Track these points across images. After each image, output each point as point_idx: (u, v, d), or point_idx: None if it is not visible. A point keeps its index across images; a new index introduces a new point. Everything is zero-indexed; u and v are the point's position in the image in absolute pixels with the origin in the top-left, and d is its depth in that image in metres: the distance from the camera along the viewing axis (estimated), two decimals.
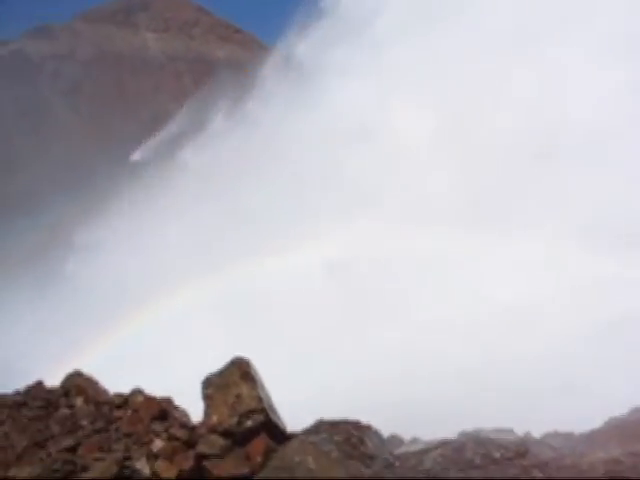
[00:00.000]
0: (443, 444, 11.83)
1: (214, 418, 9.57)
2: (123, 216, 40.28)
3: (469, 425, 14.65)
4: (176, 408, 10.28)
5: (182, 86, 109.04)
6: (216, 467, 9.10)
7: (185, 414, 10.32)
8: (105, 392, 10.12)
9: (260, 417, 9.68)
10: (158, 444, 9.28)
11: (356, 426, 10.52)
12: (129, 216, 39.94)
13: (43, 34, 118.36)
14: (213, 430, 9.53)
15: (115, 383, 10.75)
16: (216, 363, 10.60)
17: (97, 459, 8.36)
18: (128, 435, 9.29)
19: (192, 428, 9.83)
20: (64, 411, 9.46)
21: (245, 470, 9.16)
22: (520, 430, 15.01)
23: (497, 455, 11.05)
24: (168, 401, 10.14)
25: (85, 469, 8.23)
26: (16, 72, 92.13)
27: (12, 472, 8.00)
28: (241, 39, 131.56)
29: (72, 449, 8.55)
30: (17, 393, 9.82)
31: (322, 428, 10.31)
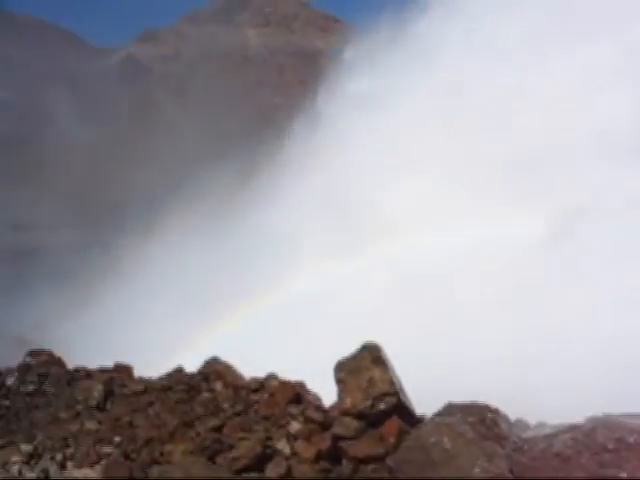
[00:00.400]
0: (573, 428, 11.57)
1: (348, 401, 9.81)
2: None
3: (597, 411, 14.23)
4: (308, 392, 10.60)
5: (285, 79, 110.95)
6: (352, 448, 9.34)
7: (317, 398, 10.62)
8: (241, 377, 10.58)
9: (392, 400, 9.85)
10: (295, 426, 9.63)
11: (488, 409, 10.52)
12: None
13: (150, 38, 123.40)
14: (347, 413, 9.77)
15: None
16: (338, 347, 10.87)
17: (241, 439, 8.80)
18: (266, 417, 9.69)
19: (325, 411, 10.12)
20: (205, 395, 9.98)
21: (380, 450, 9.35)
22: None
23: (631, 440, 10.76)
24: (301, 385, 10.47)
25: (231, 447, 8.68)
26: (128, 76, 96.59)
27: (167, 448, 8.57)
28: (340, 28, 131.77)
29: (217, 429, 9.04)
30: (162, 378, 10.46)
31: (453, 410, 10.40)
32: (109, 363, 12.02)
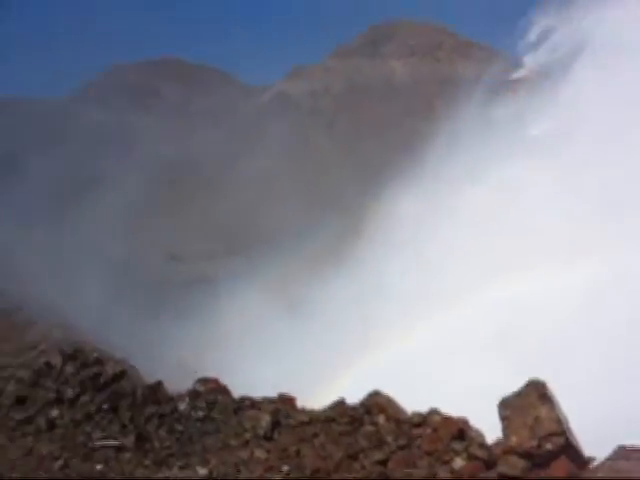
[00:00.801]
0: None
1: (513, 439, 9.53)
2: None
3: None
4: (471, 428, 10.42)
5: (432, 108, 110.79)
6: None
7: (481, 434, 10.40)
8: (403, 411, 10.58)
9: (560, 440, 9.46)
10: (459, 462, 9.48)
11: None
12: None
13: (299, 75, 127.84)
14: (512, 451, 9.50)
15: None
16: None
17: (407, 474, 8.81)
18: (429, 453, 9.61)
19: (489, 448, 9.90)
20: (368, 428, 10.06)
21: None
22: None
23: None
24: (464, 421, 10.32)
25: None
26: (278, 112, 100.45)
27: (334, 478, 8.75)
28: (485, 56, 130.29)
29: (382, 463, 9.09)
30: (325, 409, 10.68)
31: (627, 454, 9.83)
32: (263, 387, 12.48)
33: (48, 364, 15.36)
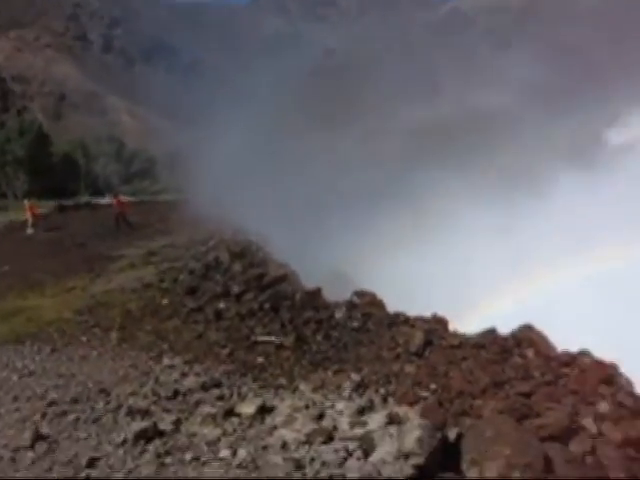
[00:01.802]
0: None
1: None
2: None
3: None
4: (621, 375, 10.30)
5: (621, 35, 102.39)
6: None
7: (630, 383, 10.28)
8: (553, 348, 10.63)
9: None
10: (604, 407, 9.46)
11: None
12: None
13: None
14: None
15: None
16: None
17: (549, 408, 8.95)
18: (575, 392, 9.65)
19: (638, 398, 9.79)
20: (517, 359, 10.24)
21: None
22: None
23: None
24: (614, 367, 10.22)
25: (538, 415, 8.87)
26: (452, 28, 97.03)
27: (477, 403, 9.08)
28: None
29: (526, 395, 9.29)
30: (476, 335, 10.96)
31: None
32: (418, 305, 12.87)
33: (217, 260, 16.68)
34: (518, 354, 10.41)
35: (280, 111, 31.46)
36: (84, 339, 12.51)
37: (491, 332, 11.02)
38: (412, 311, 12.56)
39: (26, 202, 35.35)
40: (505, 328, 11.35)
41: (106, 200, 46.35)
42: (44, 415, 8.87)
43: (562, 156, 39.21)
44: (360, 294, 13.21)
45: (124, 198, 38.58)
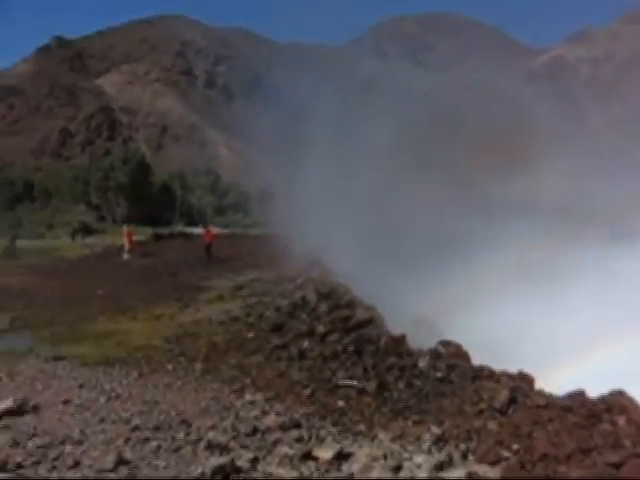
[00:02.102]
0: None
1: None
2: None
3: None
4: None
5: None
6: None
7: None
8: None
9: None
10: None
11: None
12: None
13: (581, 39, 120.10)
14: None
15: None
16: None
17: None
18: None
19: None
20: (606, 426, 9.79)
21: None
22: None
23: None
24: None
25: None
26: (553, 76, 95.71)
27: (562, 468, 8.72)
28: None
29: (616, 465, 8.86)
30: (563, 397, 10.58)
31: None
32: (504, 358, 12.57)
33: (304, 299, 16.83)
34: (608, 420, 9.94)
35: (375, 155, 31.82)
36: (170, 367, 12.82)
37: (579, 394, 10.61)
38: (497, 365, 12.30)
39: (125, 228, 36.86)
40: (594, 391, 10.94)
41: (199, 230, 47.73)
42: (127, 440, 9.11)
43: None
44: (445, 344, 13.03)
45: (214, 229, 39.72)
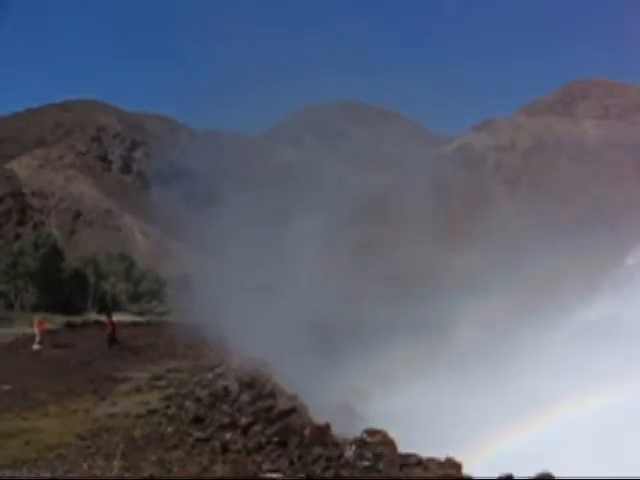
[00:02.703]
0: None
1: None
2: None
3: None
4: None
5: (623, 174, 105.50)
6: None
7: None
8: None
9: None
10: None
11: None
12: None
13: (487, 128, 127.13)
14: None
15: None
16: None
17: None
18: None
19: None
20: None
21: None
22: None
23: None
24: None
25: None
26: (462, 164, 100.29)
27: None
28: None
29: None
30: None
31: None
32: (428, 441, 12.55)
33: (225, 388, 16.46)
34: None
35: (292, 241, 32.24)
36: (85, 466, 12.17)
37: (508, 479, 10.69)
38: (424, 447, 12.28)
39: (36, 317, 35.41)
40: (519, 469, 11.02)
41: (114, 318, 46.42)
42: None
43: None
44: (371, 432, 12.94)
45: (114, 318, 38.92)
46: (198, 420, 14.52)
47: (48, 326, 36.03)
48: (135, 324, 44.56)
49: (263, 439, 12.81)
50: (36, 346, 31.80)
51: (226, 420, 14.12)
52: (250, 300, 26.27)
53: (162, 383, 20.22)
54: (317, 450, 12.11)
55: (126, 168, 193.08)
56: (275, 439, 12.72)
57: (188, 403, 16.16)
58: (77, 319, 49.48)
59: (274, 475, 11.12)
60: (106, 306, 65.94)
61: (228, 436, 13.28)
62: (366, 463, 11.52)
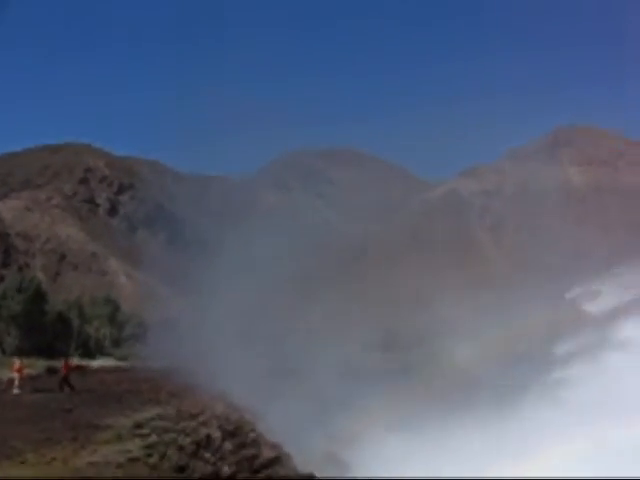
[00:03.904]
0: None
1: None
2: None
3: None
4: None
5: (607, 219, 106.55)
6: None
7: None
8: None
9: None
10: None
11: None
12: None
13: (472, 174, 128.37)
14: None
15: None
16: None
17: None
18: None
19: None
20: None
21: None
22: None
23: None
24: None
25: None
26: (448, 209, 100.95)
27: None
28: None
29: None
30: None
31: None
32: None
33: (208, 437, 16.17)
34: None
35: (276, 285, 32.39)
36: None
37: None
38: None
39: (16, 361, 34.82)
40: None
41: (98, 363, 45.87)
42: None
43: None
44: None
45: (72, 361, 38.53)
46: (180, 469, 14.24)
47: (27, 371, 35.44)
48: (118, 369, 44.03)
49: None
50: (16, 390, 31.26)
51: (209, 469, 13.84)
52: (231, 345, 26.16)
53: (144, 431, 19.79)
54: None
55: (113, 211, 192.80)
56: None
57: (170, 452, 15.83)
58: (58, 364, 48.76)
59: None
60: (65, 351, 65.00)
61: None
62: None
